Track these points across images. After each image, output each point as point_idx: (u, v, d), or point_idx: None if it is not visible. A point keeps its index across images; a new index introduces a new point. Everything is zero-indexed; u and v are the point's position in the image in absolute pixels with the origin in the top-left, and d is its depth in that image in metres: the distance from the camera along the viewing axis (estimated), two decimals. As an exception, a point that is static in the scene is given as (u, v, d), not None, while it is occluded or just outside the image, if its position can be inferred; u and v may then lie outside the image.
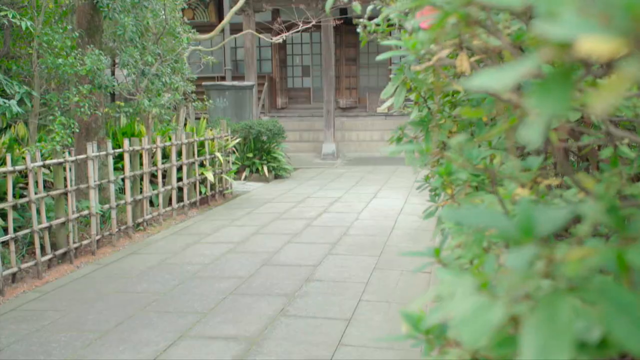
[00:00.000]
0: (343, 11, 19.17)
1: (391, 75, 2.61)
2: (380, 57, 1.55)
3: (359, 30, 2.36)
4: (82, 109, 7.99)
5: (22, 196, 7.78)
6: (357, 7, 2.21)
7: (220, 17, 20.54)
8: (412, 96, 2.71)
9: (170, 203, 9.95)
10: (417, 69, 1.37)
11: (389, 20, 2.63)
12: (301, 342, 4.78)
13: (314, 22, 14.36)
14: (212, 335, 4.95)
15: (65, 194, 7.24)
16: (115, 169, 8.76)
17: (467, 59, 1.29)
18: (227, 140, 12.08)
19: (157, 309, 5.61)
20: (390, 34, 2.84)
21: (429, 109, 2.55)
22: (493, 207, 1.63)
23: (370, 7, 2.21)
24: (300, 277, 6.48)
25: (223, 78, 20.46)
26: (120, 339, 4.93)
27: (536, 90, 0.46)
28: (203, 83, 16.30)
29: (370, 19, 2.68)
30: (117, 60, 11.70)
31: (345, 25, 19.83)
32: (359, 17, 2.58)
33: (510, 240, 0.54)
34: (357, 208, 10.35)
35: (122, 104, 11.02)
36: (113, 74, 14.97)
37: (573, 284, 0.49)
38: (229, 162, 12.02)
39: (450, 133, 2.53)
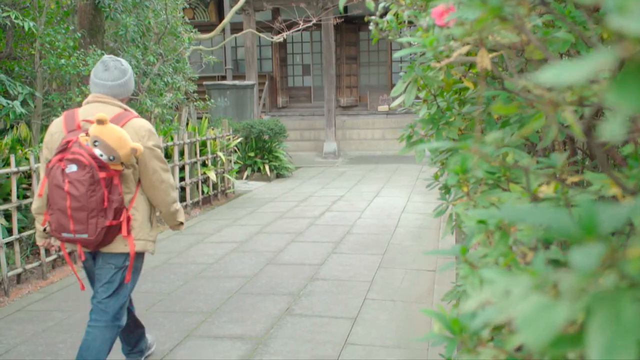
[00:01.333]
0: (344, 9, 19.16)
1: (401, 73, 2.61)
2: (398, 54, 1.54)
3: (371, 27, 2.35)
4: (85, 109, 7.98)
5: (25, 197, 7.78)
6: (370, 4, 2.20)
7: (221, 16, 20.53)
8: (421, 94, 2.71)
9: (172, 203, 9.93)
10: (437, 66, 1.37)
11: (397, 16, 2.63)
12: (308, 341, 4.78)
13: (314, 21, 14.35)
14: (218, 335, 4.95)
15: (69, 194, 7.23)
16: (118, 169, 8.74)
17: (487, 55, 1.28)
18: (229, 139, 12.08)
19: (162, 309, 5.61)
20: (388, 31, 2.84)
21: (439, 106, 2.55)
22: (515, 204, 1.63)
23: (381, 4, 2.21)
24: (305, 276, 6.48)
25: (224, 77, 20.44)
26: (126, 339, 4.93)
27: (614, 86, 0.45)
28: (204, 82, 16.29)
29: (377, 16, 2.67)
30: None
31: (346, 24, 19.83)
32: (368, 15, 2.57)
33: (571, 238, 0.53)
34: (359, 207, 10.35)
35: (124, 104, 10.99)
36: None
37: (634, 282, 0.49)
38: (231, 161, 12.02)
39: (460, 131, 2.53)
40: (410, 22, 2.64)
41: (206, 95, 13.81)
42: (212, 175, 10.86)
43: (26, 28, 6.91)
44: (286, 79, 23.37)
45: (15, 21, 6.84)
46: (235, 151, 12.74)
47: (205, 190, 10.99)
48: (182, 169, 10.24)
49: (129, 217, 3.78)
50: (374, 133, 19.31)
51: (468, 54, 1.67)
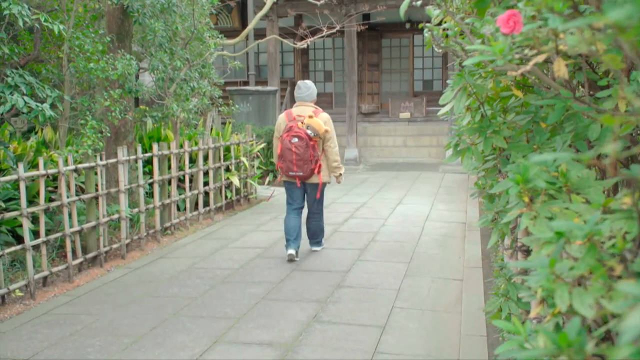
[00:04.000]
0: (366, 17, 19.15)
1: (448, 81, 2.58)
2: (468, 62, 1.51)
3: (426, 34, 2.33)
4: (113, 113, 8.00)
5: (50, 200, 7.81)
6: (431, 11, 2.18)
7: (244, 22, 20.57)
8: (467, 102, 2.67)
9: (196, 207, 9.96)
10: (514, 74, 1.34)
11: (440, 23, 2.60)
12: (337, 349, 4.74)
13: (338, 28, 14.33)
14: (247, 341, 4.93)
15: (96, 197, 7.26)
16: (143, 173, 8.77)
17: (564, 63, 1.25)
18: (252, 145, 12.07)
19: (189, 314, 5.60)
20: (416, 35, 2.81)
21: (483, 115, 2.52)
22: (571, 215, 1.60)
23: (436, 12, 2.18)
24: (331, 283, 6.45)
25: (245, 83, 20.47)
26: (155, 343, 4.92)
27: None
28: (227, 88, 16.32)
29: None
30: (141, 65, 11.73)
31: (368, 31, 19.77)
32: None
33: None
34: (383, 214, 10.30)
35: (146, 108, 11.04)
36: (137, 78, 15.04)
37: None
38: (253, 166, 12.00)
39: (504, 139, 2.50)
40: (447, 28, 2.61)
41: (231, 101, 13.82)
42: (235, 181, 10.85)
43: (56, 31, 6.91)
44: (308, 85, 23.35)
45: (45, 24, 6.85)
46: (258, 157, 12.72)
47: (229, 195, 10.99)
48: (206, 173, 10.25)
49: (320, 165, 7.33)
50: (395, 140, 19.24)
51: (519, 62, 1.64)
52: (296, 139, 7.08)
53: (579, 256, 1.20)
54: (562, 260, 1.13)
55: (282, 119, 7.42)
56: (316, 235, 7.78)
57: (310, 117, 7.07)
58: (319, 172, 7.31)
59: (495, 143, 2.38)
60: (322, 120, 7.21)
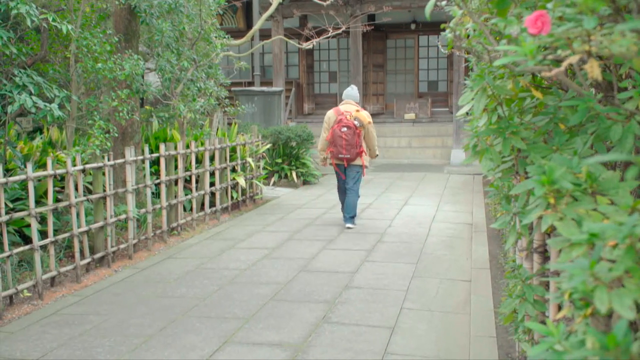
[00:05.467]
0: (371, 17, 19.15)
1: (466, 82, 2.57)
2: (498, 62, 1.50)
3: (449, 34, 2.32)
4: (121, 114, 8.00)
5: (57, 200, 7.81)
6: (456, 12, 2.17)
7: (249, 23, 20.56)
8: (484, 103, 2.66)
9: (202, 208, 9.96)
10: (548, 75, 1.33)
11: (457, 25, 2.59)
12: (347, 350, 4.74)
13: (343, 28, 14.31)
14: (257, 342, 4.92)
15: (104, 198, 7.26)
16: (149, 173, 8.77)
17: (597, 65, 1.25)
18: (258, 145, 12.07)
19: (198, 314, 5.59)
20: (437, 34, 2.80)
21: (500, 116, 2.50)
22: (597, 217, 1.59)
23: (460, 12, 2.17)
24: (339, 284, 6.44)
25: (251, 83, 20.48)
26: (165, 343, 4.91)
27: None
28: (232, 88, 16.31)
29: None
30: (147, 65, 11.71)
31: (374, 31, 19.78)
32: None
33: None
34: (389, 215, 10.29)
35: (151, 108, 11.04)
36: (142, 78, 15.02)
37: None
38: (259, 167, 12.01)
39: (522, 140, 2.49)
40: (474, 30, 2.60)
41: (237, 101, 13.82)
42: (241, 181, 10.85)
43: (64, 31, 6.90)
44: (312, 86, 23.34)
45: (53, 24, 6.83)
46: (263, 157, 12.72)
47: (235, 195, 10.99)
48: (212, 174, 10.24)
49: (362, 150, 9.18)
50: (400, 141, 19.23)
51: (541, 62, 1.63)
52: (345, 128, 9.06)
53: (610, 257, 1.19)
54: (600, 262, 1.12)
55: (331, 113, 9.38)
56: (350, 210, 9.35)
57: (357, 111, 9.19)
58: (361, 156, 9.23)
59: (514, 144, 2.37)
60: (365, 114, 9.21)
